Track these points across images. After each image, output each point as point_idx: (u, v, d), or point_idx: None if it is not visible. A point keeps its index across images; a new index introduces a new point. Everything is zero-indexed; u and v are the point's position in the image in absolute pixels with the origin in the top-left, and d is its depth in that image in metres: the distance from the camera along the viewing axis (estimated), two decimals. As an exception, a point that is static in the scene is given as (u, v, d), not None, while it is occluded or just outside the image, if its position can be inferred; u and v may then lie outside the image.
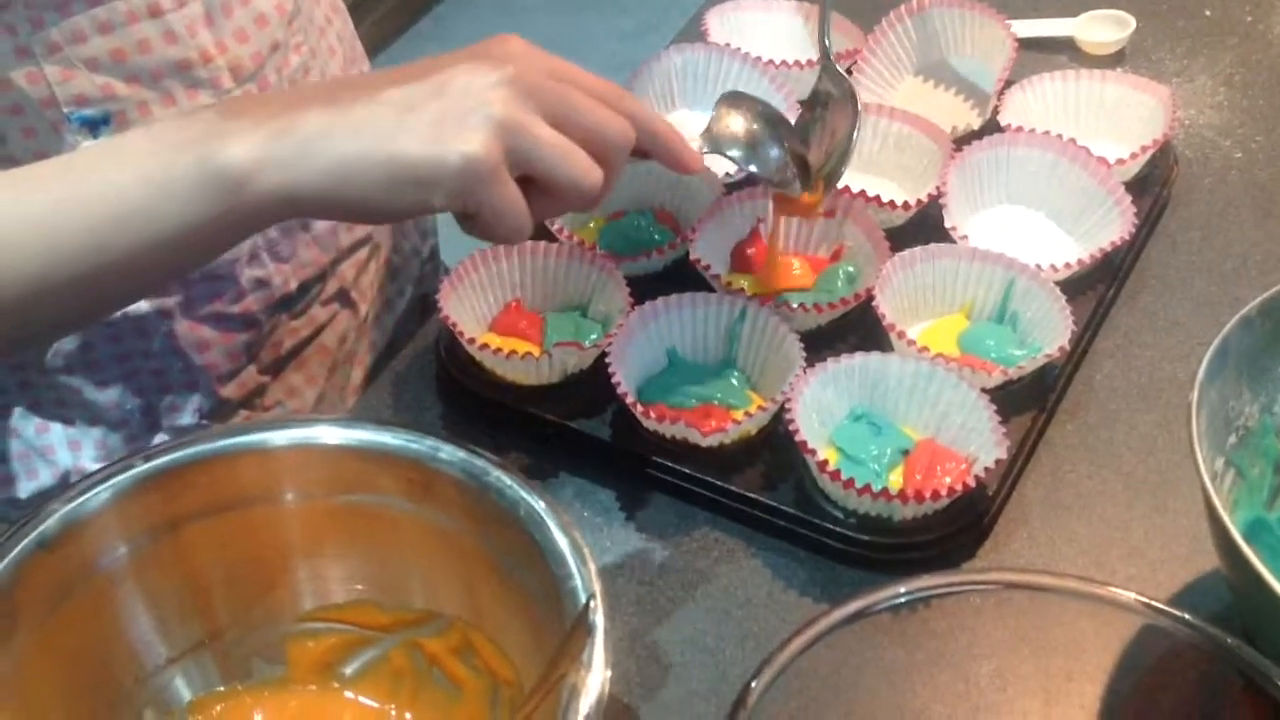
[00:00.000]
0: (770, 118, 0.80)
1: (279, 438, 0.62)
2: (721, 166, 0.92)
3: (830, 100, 0.85)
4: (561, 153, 0.64)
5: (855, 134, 0.81)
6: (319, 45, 0.90)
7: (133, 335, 0.85)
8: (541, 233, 0.89)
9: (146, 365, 0.86)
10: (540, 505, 0.60)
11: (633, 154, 0.70)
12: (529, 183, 0.64)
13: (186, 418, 0.88)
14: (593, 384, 0.81)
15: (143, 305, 0.83)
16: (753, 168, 0.79)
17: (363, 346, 0.98)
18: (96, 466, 0.86)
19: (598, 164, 0.65)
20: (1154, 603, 0.60)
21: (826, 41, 0.87)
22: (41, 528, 0.59)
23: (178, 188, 0.61)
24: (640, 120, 0.69)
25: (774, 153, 0.79)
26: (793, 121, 0.84)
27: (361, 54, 0.99)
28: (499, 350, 0.81)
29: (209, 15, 0.80)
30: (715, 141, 0.78)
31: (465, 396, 0.84)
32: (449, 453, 0.62)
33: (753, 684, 0.55)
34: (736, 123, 0.79)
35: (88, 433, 0.87)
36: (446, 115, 0.62)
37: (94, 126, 0.78)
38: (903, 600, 0.60)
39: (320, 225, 0.89)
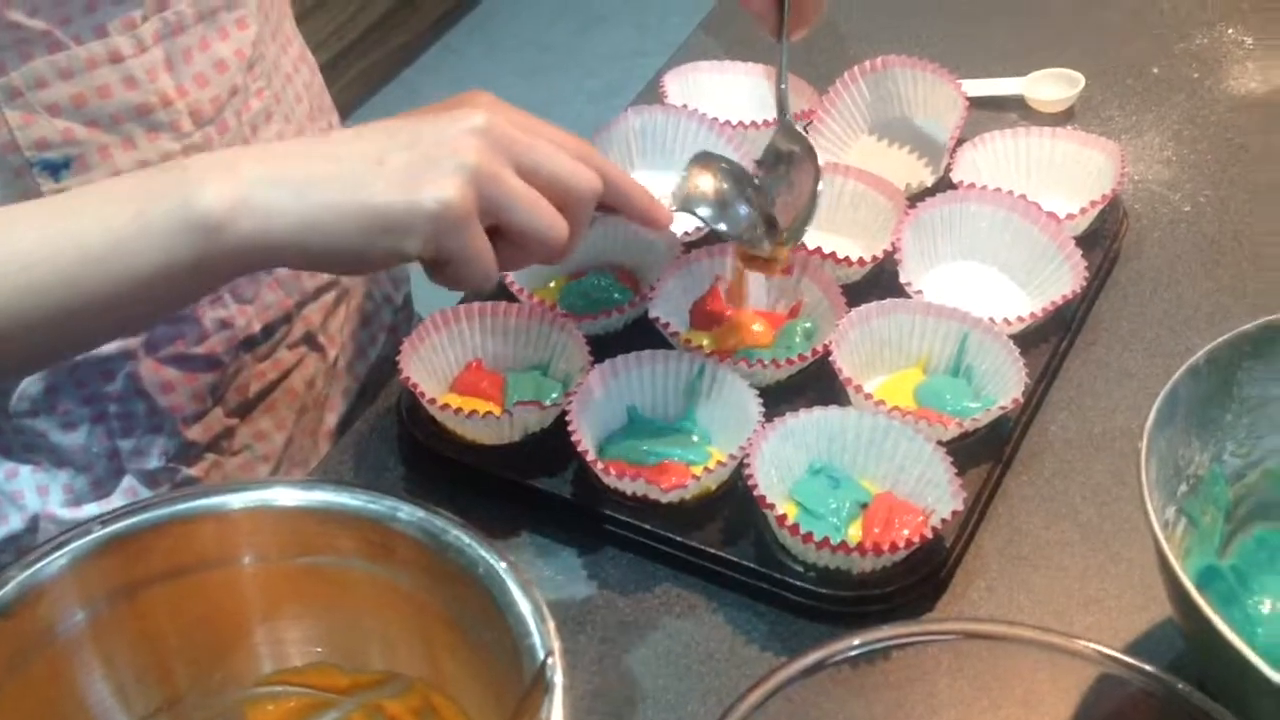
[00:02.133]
0: (738, 176, 0.82)
1: (236, 500, 0.62)
2: (680, 226, 0.93)
3: (791, 157, 0.86)
4: (531, 204, 0.65)
5: (818, 190, 0.83)
6: (283, 91, 0.91)
7: (97, 377, 0.85)
8: (502, 293, 0.90)
9: (111, 408, 0.86)
10: (499, 564, 0.60)
11: (600, 209, 0.71)
12: (496, 233, 0.65)
13: (153, 461, 0.88)
14: (554, 442, 0.82)
15: (107, 346, 0.84)
16: (722, 226, 0.80)
17: (335, 391, 0.98)
18: (65, 510, 0.86)
19: (565, 217, 0.66)
20: (1110, 652, 0.60)
21: (784, 100, 0.89)
22: (-2, 595, 0.59)
23: (155, 230, 0.62)
24: (609, 175, 0.70)
25: (742, 211, 0.81)
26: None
27: (330, 105, 1.00)
28: (460, 410, 0.81)
29: (169, 61, 0.81)
30: (686, 201, 0.79)
31: (427, 457, 0.84)
32: (408, 512, 0.62)
33: (725, 724, 0.56)
34: (706, 182, 0.80)
35: (55, 476, 0.87)
36: (420, 163, 0.63)
37: (55, 170, 0.79)
38: (860, 652, 0.60)
39: (282, 268, 0.90)
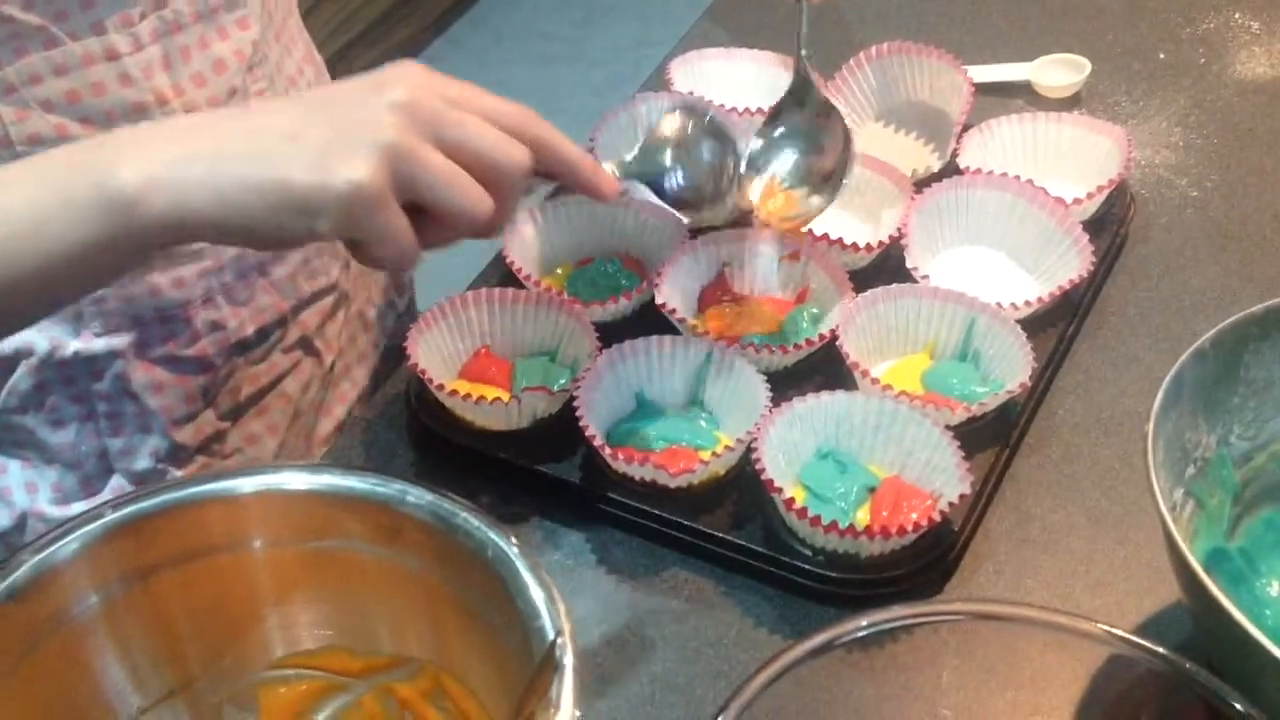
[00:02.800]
0: (709, 133, 0.80)
1: (247, 485, 0.62)
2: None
3: (811, 114, 0.86)
4: (448, 180, 0.63)
5: (850, 148, 0.84)
6: (287, 92, 0.90)
7: (86, 376, 0.85)
8: (510, 279, 0.90)
9: (100, 406, 0.86)
10: (508, 546, 0.60)
11: (545, 178, 0.69)
12: (420, 211, 0.64)
13: (142, 461, 0.88)
14: (562, 428, 0.82)
15: (96, 344, 0.83)
16: (653, 198, 0.78)
17: (332, 397, 0.98)
18: (53, 508, 0.86)
19: (492, 191, 0.64)
20: (1119, 632, 0.60)
21: (803, 65, 0.88)
22: (11, 578, 0.59)
23: (74, 207, 0.61)
24: (548, 145, 0.67)
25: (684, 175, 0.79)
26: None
27: None
28: (468, 396, 0.82)
29: (167, 59, 0.80)
30: (627, 168, 0.77)
31: (435, 442, 0.84)
32: (417, 496, 0.62)
33: (730, 706, 0.56)
34: (663, 147, 0.79)
35: (44, 474, 0.87)
36: (334, 141, 0.62)
37: None
38: (868, 633, 0.60)
39: (279, 271, 0.90)
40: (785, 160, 0.85)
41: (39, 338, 0.83)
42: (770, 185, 0.84)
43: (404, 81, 0.64)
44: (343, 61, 2.54)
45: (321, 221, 0.61)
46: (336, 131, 0.62)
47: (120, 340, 0.85)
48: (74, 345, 0.84)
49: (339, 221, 0.61)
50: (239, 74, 0.85)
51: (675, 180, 0.79)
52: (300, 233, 0.62)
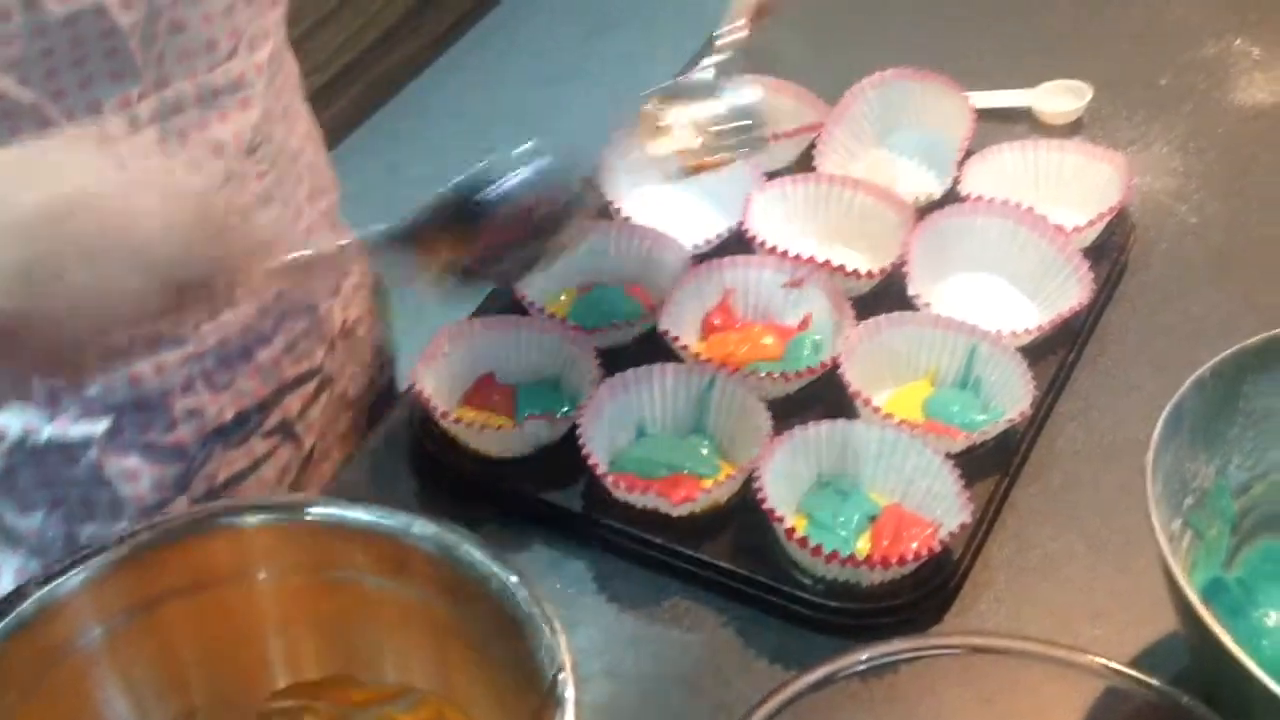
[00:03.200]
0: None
1: (252, 517, 0.63)
2: (690, 239, 0.94)
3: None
4: None
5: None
6: (287, 173, 0.86)
7: (58, 462, 0.83)
8: (514, 307, 0.91)
9: (72, 493, 0.84)
10: (511, 578, 0.61)
11: None
12: None
13: None
14: (564, 455, 0.82)
15: (71, 431, 0.81)
16: None
17: (310, 479, 0.94)
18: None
19: None
20: (1116, 665, 0.61)
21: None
22: (18, 610, 0.59)
23: None
24: None
25: None
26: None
27: (331, 181, 0.95)
28: (471, 423, 0.82)
29: (163, 142, 0.77)
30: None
31: (439, 470, 0.85)
32: (421, 527, 0.63)
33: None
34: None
35: (7, 559, 0.85)
36: None
37: None
38: (868, 666, 0.61)
39: (263, 354, 0.87)
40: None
41: (12, 421, 0.81)
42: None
43: None
44: (344, 82, 2.55)
45: None
46: None
47: (96, 427, 0.82)
48: (48, 431, 0.81)
49: None
50: (236, 158, 0.81)
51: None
52: None
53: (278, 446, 0.91)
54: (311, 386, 0.92)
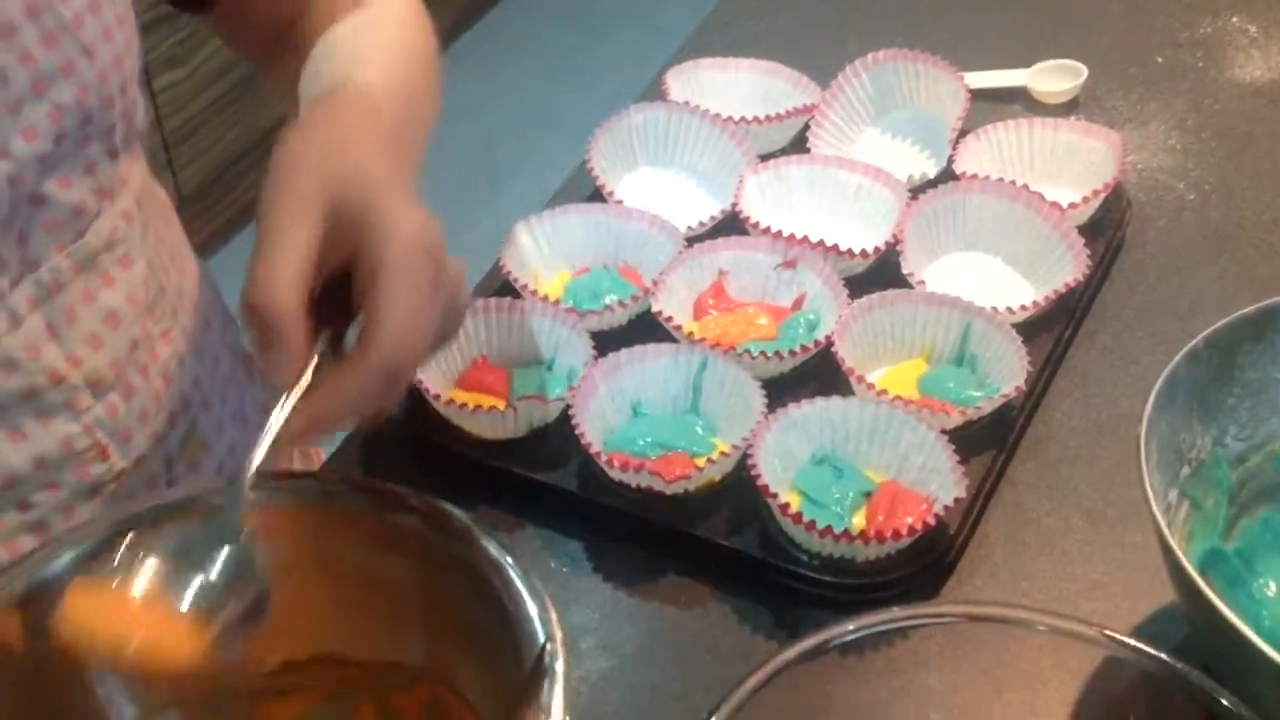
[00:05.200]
0: None
1: (239, 494, 0.63)
2: (684, 220, 0.94)
3: None
4: None
5: None
6: (191, 322, 0.80)
7: None
8: (506, 289, 0.90)
9: None
10: (500, 553, 0.60)
11: None
12: None
13: None
14: (558, 436, 0.82)
15: None
16: None
17: None
18: None
19: None
20: (1114, 634, 0.60)
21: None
22: (8, 589, 0.59)
23: None
24: None
25: None
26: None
27: (224, 308, 0.89)
28: (465, 405, 0.82)
29: (50, 328, 0.70)
30: None
31: (433, 453, 0.85)
32: (410, 505, 0.62)
33: (712, 718, 0.56)
34: None
35: None
36: None
37: None
38: (860, 635, 0.60)
39: None
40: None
41: None
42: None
43: None
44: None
45: None
46: None
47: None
48: None
49: None
50: (137, 321, 0.74)
51: None
52: None
53: None
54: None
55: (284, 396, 0.58)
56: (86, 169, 0.70)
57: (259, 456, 0.58)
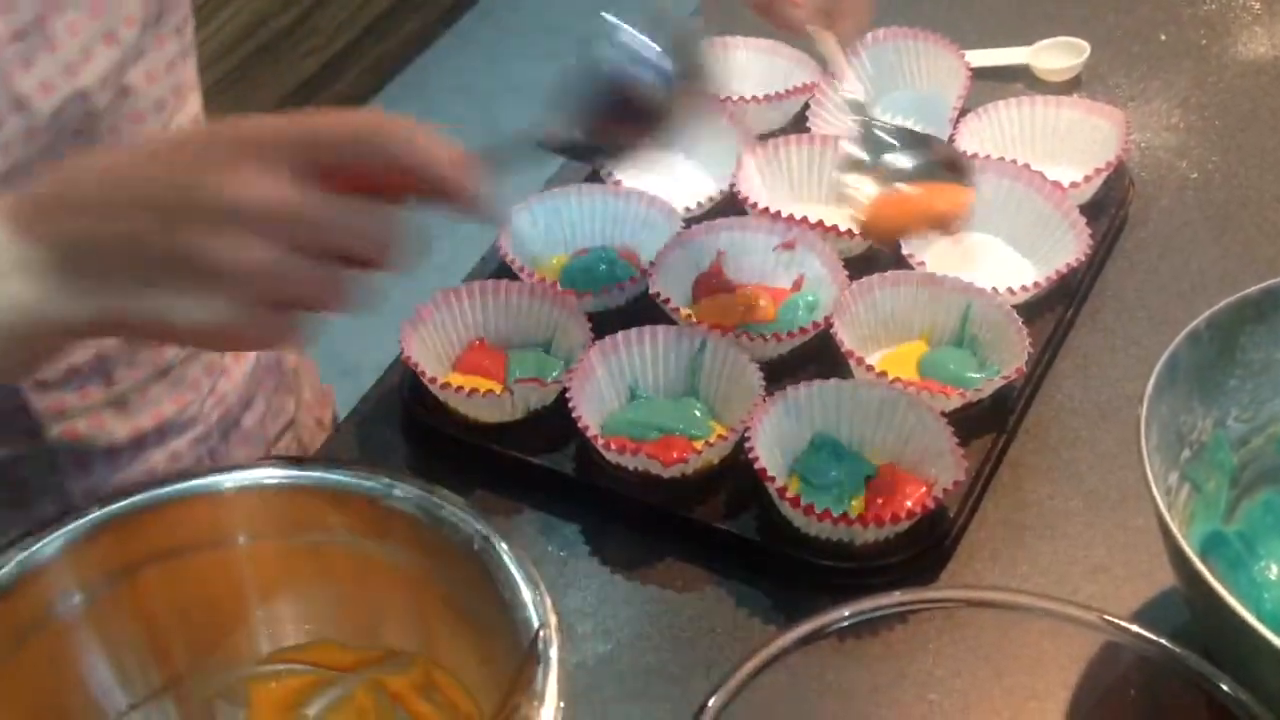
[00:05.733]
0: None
1: (229, 481, 0.62)
2: (681, 201, 0.93)
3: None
4: (320, 290, 0.58)
5: None
6: None
7: None
8: (504, 271, 0.90)
9: None
10: (494, 538, 0.60)
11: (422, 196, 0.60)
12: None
13: None
14: (556, 419, 0.81)
15: None
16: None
17: None
18: None
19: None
20: (1114, 619, 0.60)
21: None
22: (-2, 577, 0.59)
23: None
24: (405, 162, 0.58)
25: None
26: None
27: None
28: (461, 389, 0.81)
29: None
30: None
31: (430, 436, 0.84)
32: (403, 489, 0.62)
33: (709, 703, 0.56)
34: None
35: None
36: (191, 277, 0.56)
37: None
38: (858, 620, 0.60)
39: (249, 420, 0.88)
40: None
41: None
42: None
43: (251, 189, 0.56)
44: (350, 56, 2.54)
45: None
46: (191, 269, 0.56)
47: None
48: None
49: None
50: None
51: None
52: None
53: None
54: (288, 438, 0.93)
55: None
56: (168, 66, 0.76)
57: None
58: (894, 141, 0.79)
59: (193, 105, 0.80)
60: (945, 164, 0.78)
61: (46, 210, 0.58)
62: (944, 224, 0.77)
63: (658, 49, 0.65)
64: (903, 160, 0.77)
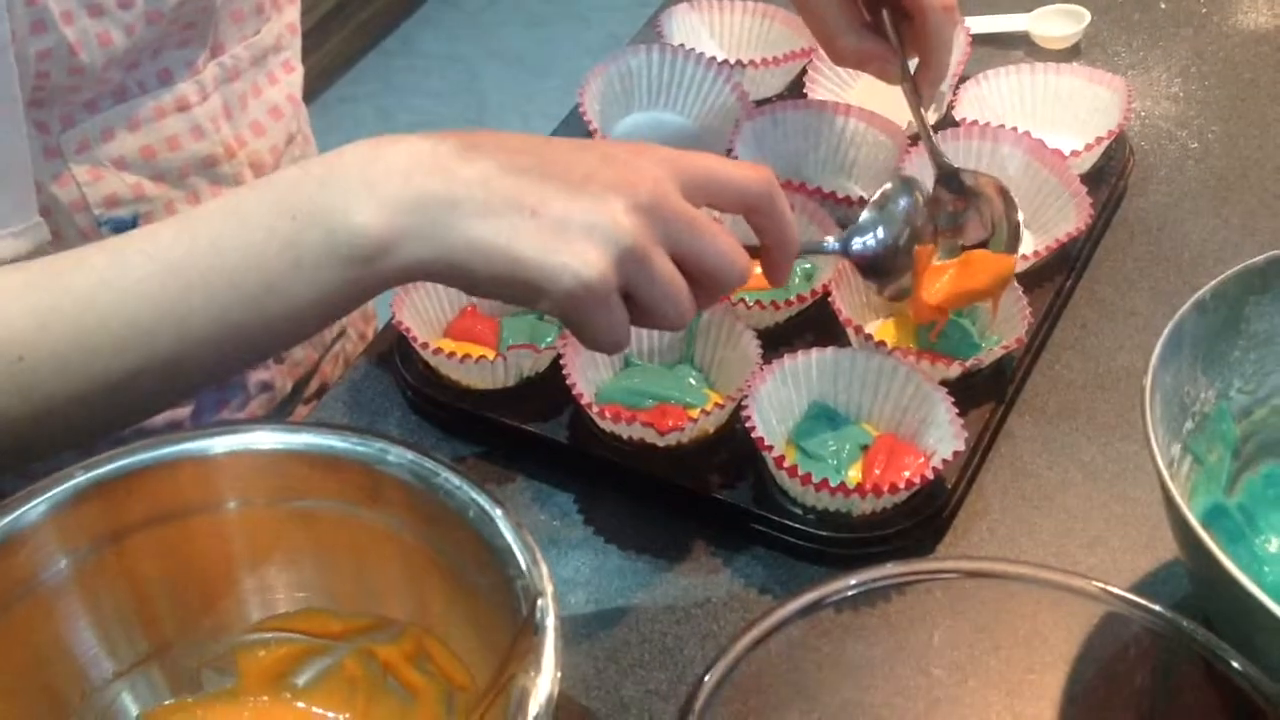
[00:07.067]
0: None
1: (219, 444, 0.61)
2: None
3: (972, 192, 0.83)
4: (667, 291, 0.61)
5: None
6: (311, 133, 0.90)
7: None
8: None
9: None
10: (490, 506, 0.59)
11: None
12: (628, 297, 0.62)
13: None
14: (549, 386, 0.80)
15: (156, 419, 0.78)
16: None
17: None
18: None
19: (702, 294, 0.63)
20: (1114, 590, 0.59)
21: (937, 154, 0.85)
22: (-18, 541, 0.58)
23: (306, 265, 0.59)
24: (774, 228, 0.66)
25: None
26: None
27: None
28: (453, 355, 0.80)
29: (227, 108, 0.80)
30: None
31: (422, 403, 0.83)
32: (397, 455, 0.61)
33: (705, 678, 0.55)
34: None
35: None
36: (572, 229, 0.59)
37: (122, 229, 0.73)
38: (858, 591, 0.59)
39: None
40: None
41: None
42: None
43: (649, 178, 0.61)
44: (336, 20, 2.52)
45: (543, 302, 0.60)
46: (576, 216, 0.59)
47: (181, 412, 0.85)
48: None
49: (558, 307, 0.60)
50: (293, 119, 0.85)
51: (869, 240, 0.74)
52: (521, 301, 0.61)
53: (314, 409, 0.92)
54: (339, 346, 0.95)
55: None
56: None
57: None
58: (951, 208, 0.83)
59: (289, 14, 0.85)
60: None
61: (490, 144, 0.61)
62: (988, 297, 0.82)
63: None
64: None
